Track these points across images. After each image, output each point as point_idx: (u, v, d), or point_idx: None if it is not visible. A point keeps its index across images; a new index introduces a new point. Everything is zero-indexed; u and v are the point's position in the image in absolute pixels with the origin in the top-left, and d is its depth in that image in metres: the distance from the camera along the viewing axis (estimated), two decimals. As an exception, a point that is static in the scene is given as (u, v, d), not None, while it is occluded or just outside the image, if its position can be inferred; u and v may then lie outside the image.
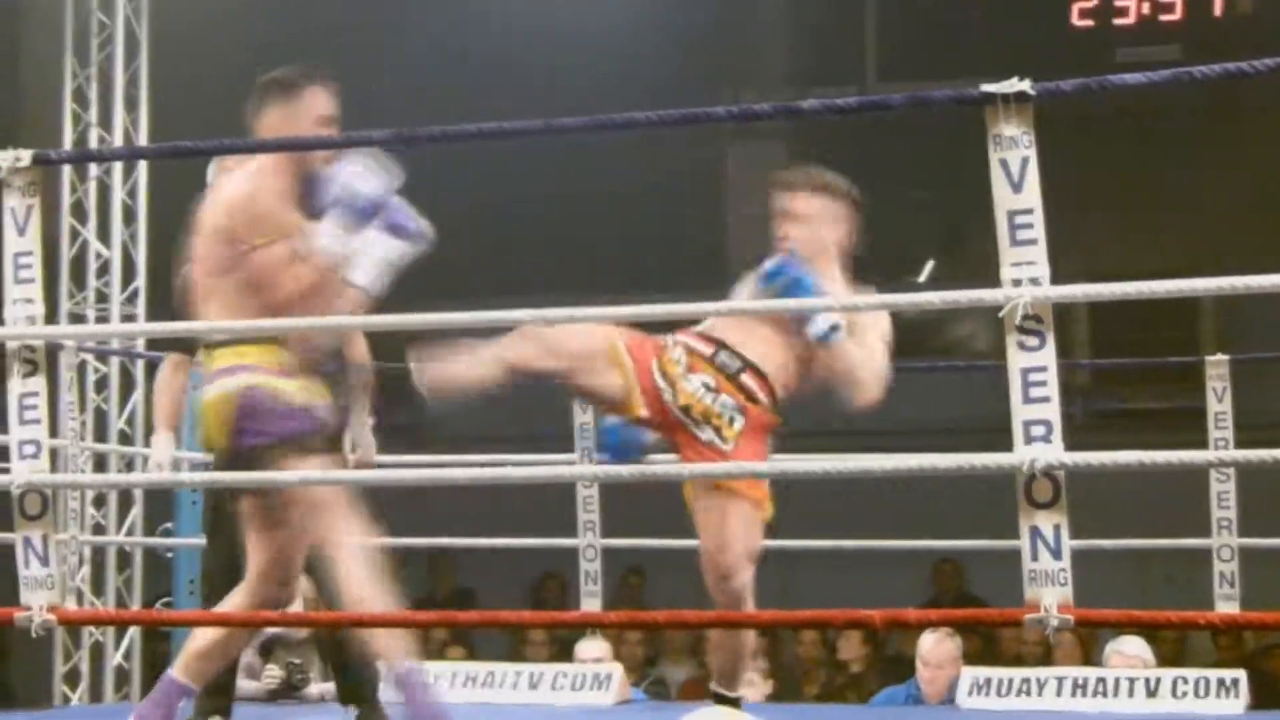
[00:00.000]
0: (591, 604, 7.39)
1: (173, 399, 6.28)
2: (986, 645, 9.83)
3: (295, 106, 4.80)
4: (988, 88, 4.23)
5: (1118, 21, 12.20)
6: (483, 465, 6.87)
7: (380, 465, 6.63)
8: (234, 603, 4.91)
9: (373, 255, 4.71)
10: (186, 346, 6.12)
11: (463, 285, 12.52)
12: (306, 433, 4.72)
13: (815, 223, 5.42)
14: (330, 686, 7.18)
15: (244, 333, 4.70)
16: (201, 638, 4.87)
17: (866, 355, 5.28)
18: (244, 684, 7.18)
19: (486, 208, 13.11)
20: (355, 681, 5.93)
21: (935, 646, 7.36)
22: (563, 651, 9.74)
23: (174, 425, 6.25)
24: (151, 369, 9.22)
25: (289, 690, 7.06)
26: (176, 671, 4.84)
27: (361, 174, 4.69)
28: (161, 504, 8.60)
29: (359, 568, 4.73)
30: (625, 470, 4.97)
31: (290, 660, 7.11)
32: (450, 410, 5.59)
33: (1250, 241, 12.06)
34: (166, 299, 7.30)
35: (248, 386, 4.66)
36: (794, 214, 5.42)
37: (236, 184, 4.78)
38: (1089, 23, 12.22)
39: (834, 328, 5.24)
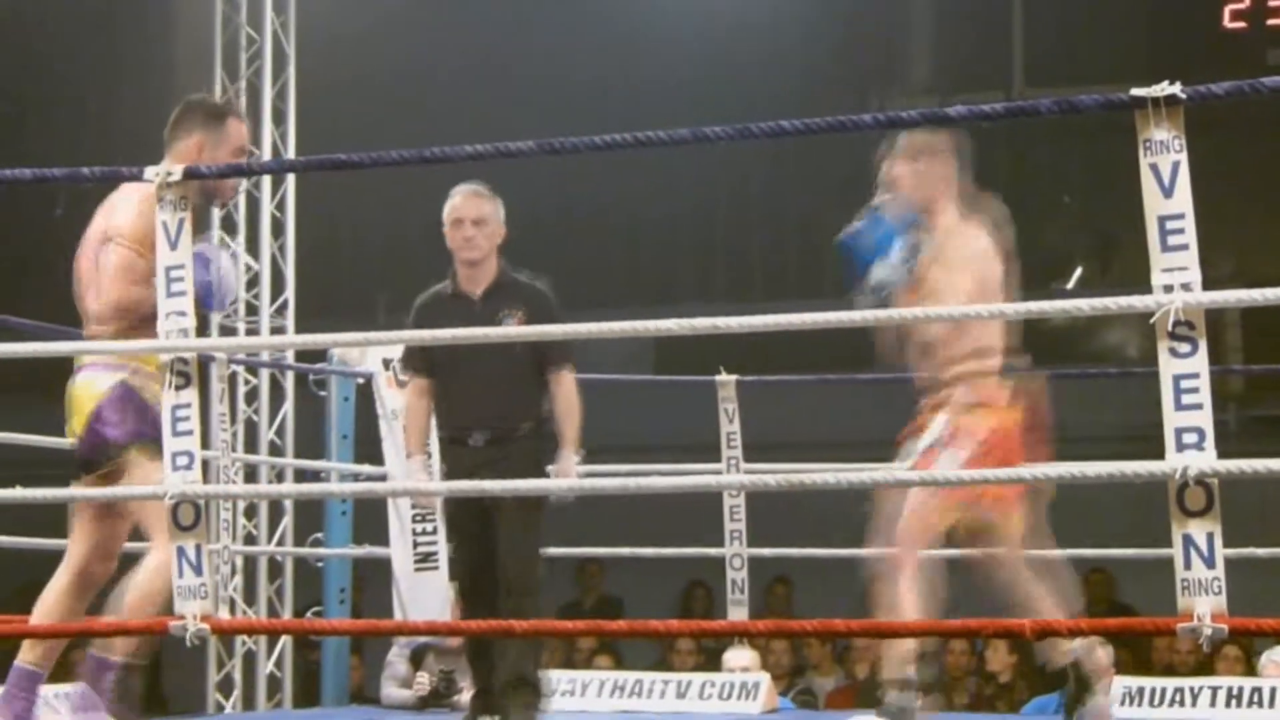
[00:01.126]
0: (738, 613, 7.38)
1: (421, 423, 6.29)
2: (1136, 655, 9.72)
3: (218, 134, 5.12)
4: (1138, 92, 4.18)
5: (1270, 22, 12.05)
6: (630, 475, 6.90)
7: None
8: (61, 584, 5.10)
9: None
10: (426, 368, 6.21)
11: (613, 294, 12.59)
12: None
13: (906, 190, 5.39)
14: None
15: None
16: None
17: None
18: (395, 692, 7.24)
19: (635, 217, 13.16)
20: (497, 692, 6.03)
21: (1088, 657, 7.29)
22: (710, 660, 9.73)
23: (425, 448, 6.29)
24: (301, 380, 9.33)
25: (439, 698, 7.10)
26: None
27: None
28: (312, 514, 8.68)
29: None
30: (773, 479, 4.95)
31: (441, 668, 7.15)
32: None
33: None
34: (315, 310, 7.38)
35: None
36: (887, 180, 5.41)
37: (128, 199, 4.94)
38: (1240, 25, 12.08)
39: (882, 285, 5.20)
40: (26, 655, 5.05)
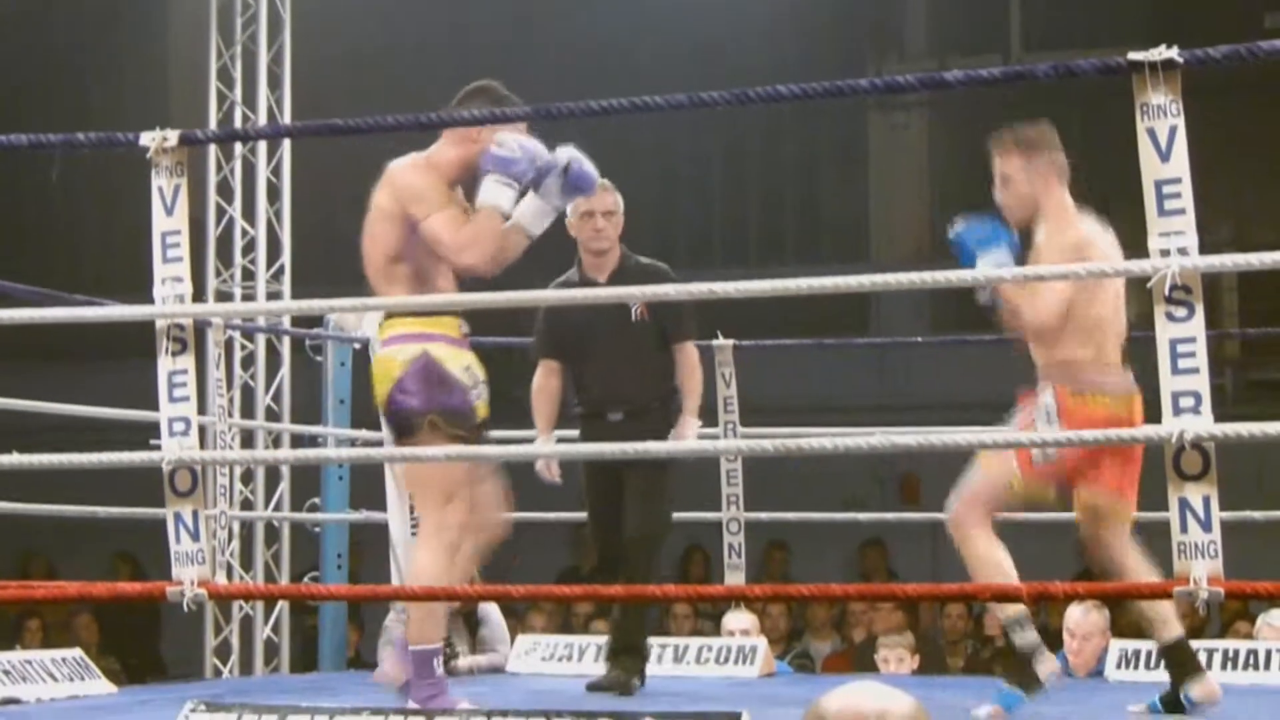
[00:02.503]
0: (735, 577, 7.39)
1: (549, 405, 6.61)
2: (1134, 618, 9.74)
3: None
4: (1134, 56, 4.18)
5: (1268, -14, 12.04)
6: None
7: (526, 440, 6.70)
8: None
9: (541, 207, 5.18)
10: (557, 352, 6.54)
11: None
12: (457, 410, 5.00)
13: (1015, 182, 5.39)
14: (479, 659, 7.24)
15: (412, 307, 5.08)
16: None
17: (1027, 301, 5.20)
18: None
19: (634, 184, 13.15)
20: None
21: (1082, 618, 7.30)
22: (708, 624, 9.76)
23: (551, 429, 6.62)
24: (297, 346, 9.34)
25: (436, 663, 7.10)
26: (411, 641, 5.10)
27: (510, 144, 5.04)
28: (309, 480, 8.69)
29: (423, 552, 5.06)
30: (770, 444, 4.96)
31: (437, 633, 7.16)
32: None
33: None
34: (312, 276, 7.37)
35: (421, 355, 5.01)
36: (1000, 178, 5.41)
37: (402, 170, 5.12)
38: (1238, -12, 12.07)
39: (990, 296, 5.28)
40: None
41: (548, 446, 6.48)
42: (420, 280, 5.09)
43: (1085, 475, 5.30)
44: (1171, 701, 5.28)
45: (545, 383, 6.63)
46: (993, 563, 5.19)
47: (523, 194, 5.14)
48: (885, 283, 4.74)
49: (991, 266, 5.17)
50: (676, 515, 7.09)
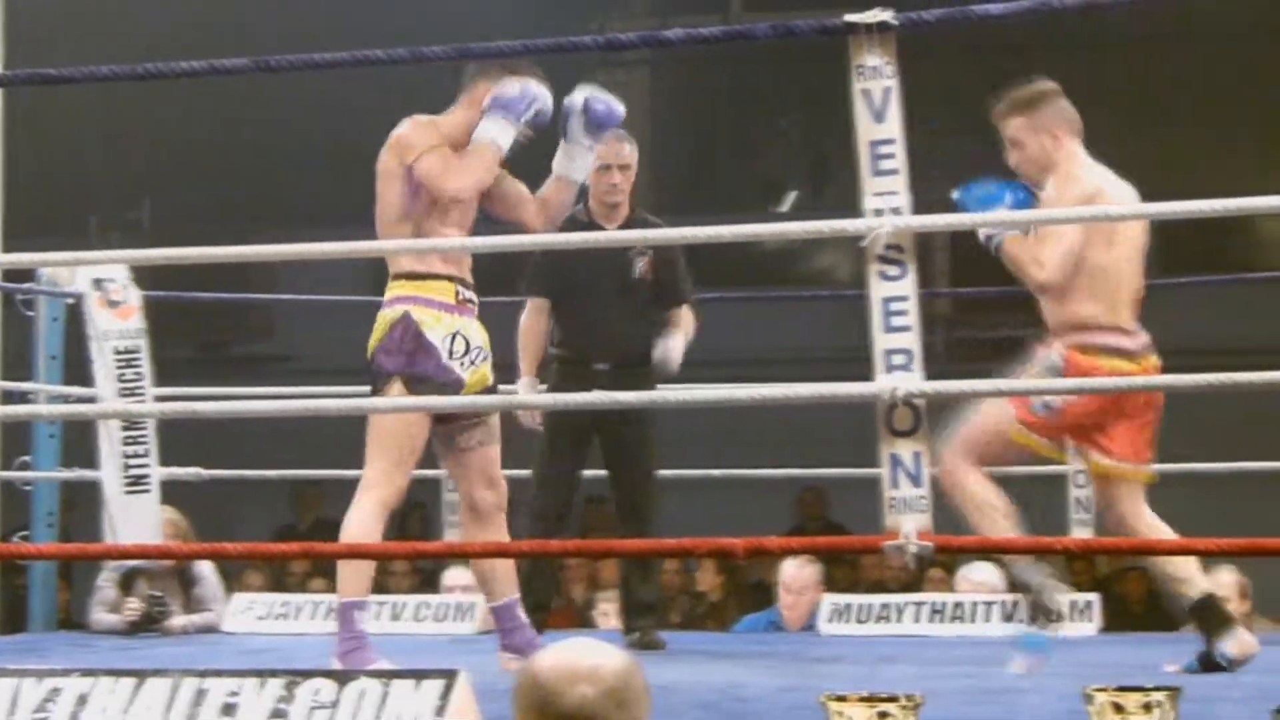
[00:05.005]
0: (454, 535, 7.38)
1: (536, 343, 6.47)
2: (854, 572, 9.90)
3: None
4: (850, 18, 4.24)
5: (980, -48, 12.25)
6: (347, 396, 6.86)
7: (241, 397, 6.61)
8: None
9: (571, 150, 5.30)
10: (549, 291, 6.41)
11: (315, 215, 12.48)
12: (427, 376, 5.08)
13: (1021, 144, 5.30)
14: (193, 618, 7.15)
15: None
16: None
17: (1030, 251, 5.15)
18: (104, 617, 7.13)
19: (345, 139, 13.03)
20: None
21: (796, 573, 7.41)
22: (427, 582, 9.72)
23: (536, 369, 6.45)
24: (7, 300, 9.10)
25: (150, 622, 7.00)
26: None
27: (512, 86, 5.13)
28: (19, 437, 8.49)
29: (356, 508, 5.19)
30: (497, 400, 4.98)
31: (151, 593, 7.06)
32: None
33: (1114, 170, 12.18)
34: (24, 229, 7.20)
35: (402, 317, 5.11)
36: (1008, 142, 5.33)
37: (400, 128, 5.21)
38: (951, -46, 12.27)
39: (989, 238, 5.19)
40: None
41: (529, 395, 6.39)
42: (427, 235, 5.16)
43: (1093, 440, 5.22)
44: (1207, 659, 5.17)
45: (534, 322, 6.47)
46: (988, 505, 5.11)
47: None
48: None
49: (995, 218, 5.11)
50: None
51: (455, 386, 5.10)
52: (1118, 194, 5.19)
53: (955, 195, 5.22)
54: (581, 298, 6.38)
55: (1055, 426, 5.19)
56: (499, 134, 5.11)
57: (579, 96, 5.27)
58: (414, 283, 5.12)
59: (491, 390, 5.28)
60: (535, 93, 5.14)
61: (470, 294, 5.18)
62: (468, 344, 5.14)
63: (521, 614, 5.40)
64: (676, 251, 6.45)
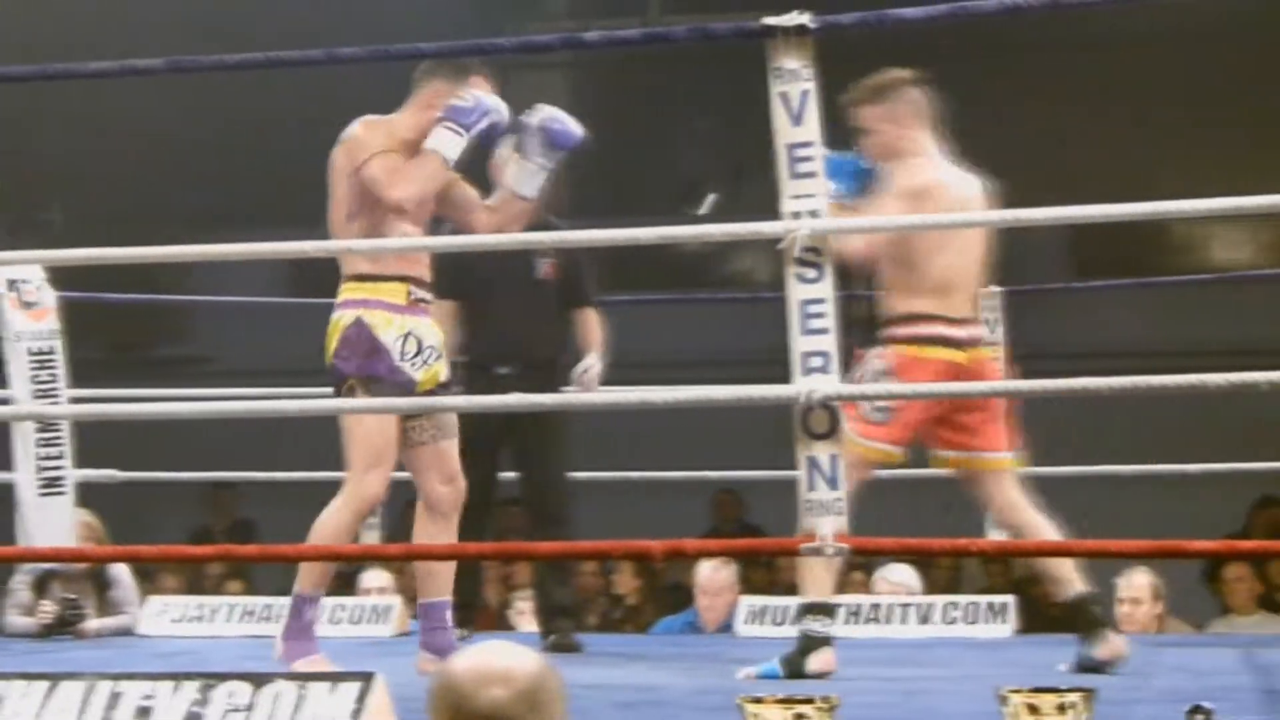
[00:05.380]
0: (371, 536, 7.36)
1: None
2: (771, 575, 9.92)
3: (458, 85, 5.22)
4: (769, 21, 4.26)
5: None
6: (263, 398, 6.84)
7: (158, 398, 6.58)
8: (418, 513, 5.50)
9: (525, 167, 5.30)
10: (455, 294, 6.30)
11: (230, 217, 12.45)
12: (381, 377, 5.14)
13: (870, 131, 5.31)
14: (108, 621, 7.11)
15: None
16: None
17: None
18: (17, 620, 7.09)
19: (258, 140, 12.99)
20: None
21: (712, 575, 7.42)
22: (344, 583, 9.69)
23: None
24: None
25: (64, 625, 6.96)
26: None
27: (467, 97, 5.19)
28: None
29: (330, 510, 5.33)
30: (404, 403, 4.97)
31: (65, 596, 7.01)
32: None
33: (1017, 177, 12.25)
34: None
35: (354, 320, 5.16)
36: (861, 127, 5.33)
37: (352, 128, 5.23)
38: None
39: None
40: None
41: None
42: (372, 238, 5.18)
43: (950, 436, 5.23)
44: (1085, 660, 5.17)
45: (438, 324, 6.49)
46: None
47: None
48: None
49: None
50: (311, 475, 7.06)
51: (408, 387, 5.16)
52: (954, 188, 5.23)
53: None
54: (484, 300, 6.36)
55: (899, 428, 5.18)
56: (446, 146, 5.14)
57: (537, 116, 5.32)
58: (366, 284, 5.16)
59: (445, 387, 5.32)
60: (489, 105, 5.20)
61: (424, 293, 5.23)
62: (420, 344, 5.19)
63: (448, 617, 5.43)
64: (580, 253, 6.46)
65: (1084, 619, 5.20)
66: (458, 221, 5.44)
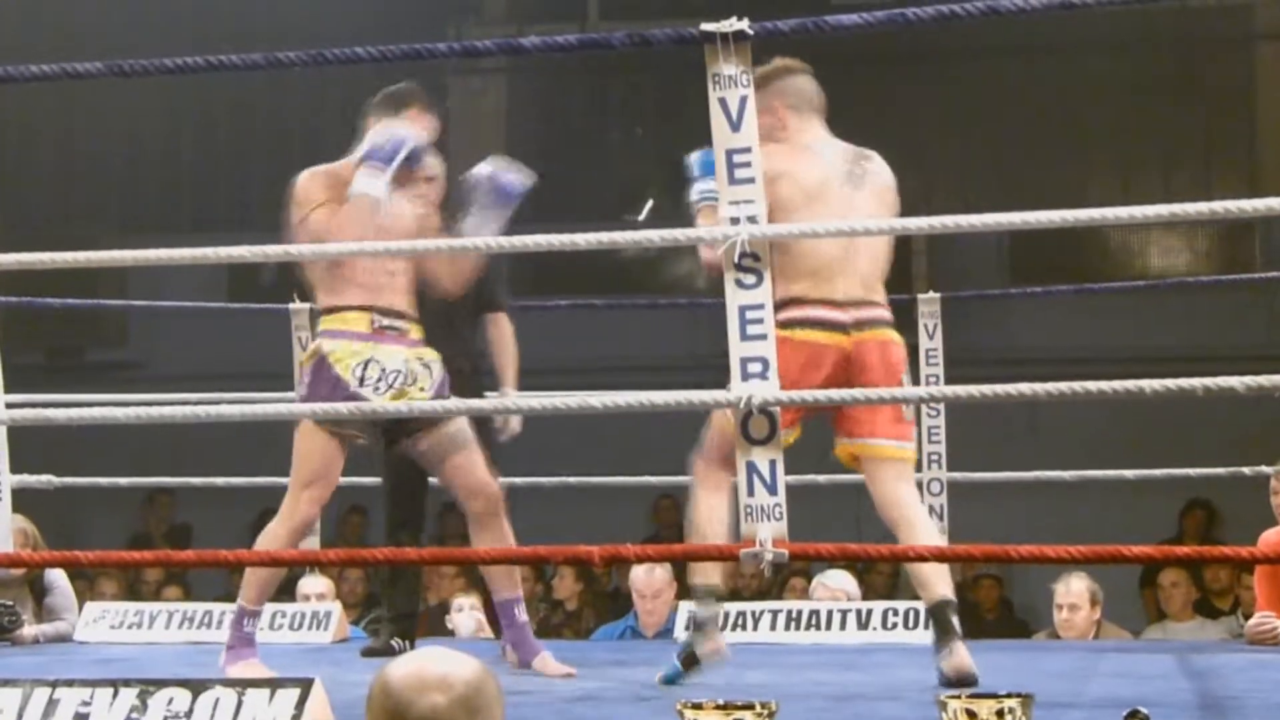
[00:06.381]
0: (311, 542, 7.33)
1: None
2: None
3: (396, 119, 5.44)
4: (707, 27, 4.26)
5: (835, -37, 12.33)
6: (199, 403, 6.81)
7: (93, 404, 6.54)
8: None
9: (482, 217, 5.40)
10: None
11: (166, 222, 12.40)
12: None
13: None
14: (45, 628, 7.07)
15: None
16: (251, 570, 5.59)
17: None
18: (-47, 627, 7.04)
19: (196, 144, 12.94)
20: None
21: (647, 578, 7.42)
22: (282, 590, 9.65)
23: None
24: None
25: (0, 632, 6.92)
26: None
27: (382, 133, 5.35)
28: None
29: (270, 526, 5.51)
30: (344, 408, 4.97)
31: (1, 602, 6.97)
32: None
33: (960, 183, 12.30)
34: None
35: (318, 352, 5.35)
36: None
37: (294, 182, 5.42)
38: (808, -36, 12.35)
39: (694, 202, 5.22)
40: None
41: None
42: (334, 278, 5.36)
43: (837, 421, 5.14)
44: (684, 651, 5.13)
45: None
46: (703, 521, 5.10)
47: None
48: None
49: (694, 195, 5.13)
50: (251, 481, 7.04)
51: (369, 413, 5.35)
52: (805, 175, 5.11)
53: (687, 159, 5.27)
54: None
55: (786, 412, 4.99)
56: (370, 186, 5.26)
57: (485, 169, 5.44)
58: (331, 316, 5.37)
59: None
60: (403, 136, 5.31)
61: (392, 321, 5.39)
62: (382, 370, 5.33)
63: (517, 612, 5.59)
64: (491, 256, 6.43)
65: (939, 627, 4.97)
66: (423, 270, 5.56)
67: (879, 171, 5.29)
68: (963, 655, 4.84)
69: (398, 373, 5.32)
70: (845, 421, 5.16)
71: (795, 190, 5.08)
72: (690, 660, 5.08)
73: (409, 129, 5.35)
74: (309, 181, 5.38)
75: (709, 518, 5.11)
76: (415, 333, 5.46)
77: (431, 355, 5.47)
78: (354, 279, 5.35)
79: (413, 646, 6.45)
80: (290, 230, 5.35)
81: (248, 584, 5.53)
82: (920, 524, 5.12)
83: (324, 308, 5.39)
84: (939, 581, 4.99)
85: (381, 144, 5.28)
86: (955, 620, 4.92)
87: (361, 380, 5.28)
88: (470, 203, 5.44)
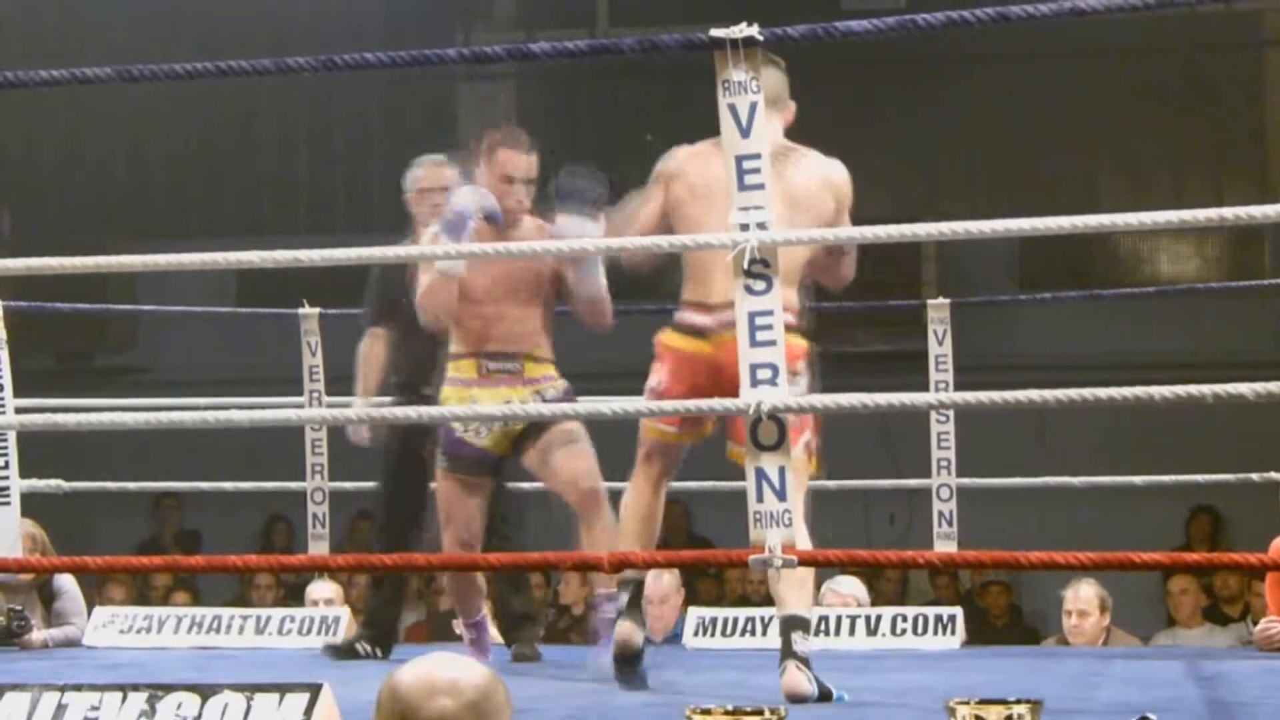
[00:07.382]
0: (319, 547, 7.35)
1: (372, 370, 6.68)
2: (719, 586, 9.92)
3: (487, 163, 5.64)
4: (717, 33, 4.26)
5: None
6: (208, 408, 6.82)
7: (102, 408, 6.55)
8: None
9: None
10: (386, 321, 6.59)
11: (174, 226, 12.40)
12: (444, 450, 5.65)
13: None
14: (53, 632, 7.07)
15: None
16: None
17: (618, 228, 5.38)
18: (-39, 632, 7.04)
19: (215, 148, 12.95)
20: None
21: (654, 583, 7.38)
22: (291, 595, 9.66)
23: (371, 395, 6.67)
24: None
25: (9, 637, 6.92)
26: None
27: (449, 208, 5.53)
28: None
29: None
30: (354, 413, 4.96)
31: (11, 607, 6.98)
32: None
33: (969, 189, 12.29)
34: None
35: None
36: None
37: None
38: (818, -30, 12.33)
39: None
40: None
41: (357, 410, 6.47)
42: (451, 328, 5.68)
43: (728, 430, 5.01)
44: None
45: (371, 350, 6.69)
46: (626, 523, 5.14)
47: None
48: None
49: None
50: (259, 485, 7.04)
51: (477, 453, 5.63)
52: (698, 173, 4.99)
53: None
54: (407, 324, 6.27)
55: (681, 422, 5.06)
56: (447, 266, 5.49)
57: (468, 202, 5.52)
58: (450, 363, 5.68)
59: (526, 438, 5.64)
60: (466, 209, 5.45)
61: (501, 364, 5.63)
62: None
63: (610, 608, 5.55)
64: None
65: (781, 640, 4.77)
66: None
67: (799, 170, 4.96)
68: (793, 675, 4.65)
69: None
70: (731, 425, 5.07)
71: (684, 190, 5.04)
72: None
73: (472, 194, 5.50)
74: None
75: (630, 521, 5.20)
76: (533, 369, 5.64)
77: (552, 387, 5.67)
78: (463, 324, 5.62)
79: (385, 655, 6.50)
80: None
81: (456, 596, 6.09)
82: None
83: (449, 354, 5.66)
84: (792, 597, 4.74)
85: (451, 222, 5.42)
86: (796, 639, 4.71)
87: (464, 425, 5.57)
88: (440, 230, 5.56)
